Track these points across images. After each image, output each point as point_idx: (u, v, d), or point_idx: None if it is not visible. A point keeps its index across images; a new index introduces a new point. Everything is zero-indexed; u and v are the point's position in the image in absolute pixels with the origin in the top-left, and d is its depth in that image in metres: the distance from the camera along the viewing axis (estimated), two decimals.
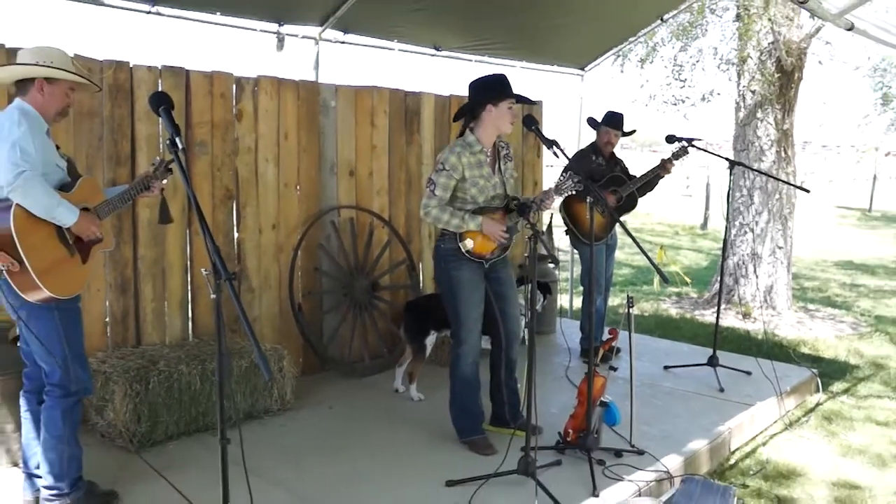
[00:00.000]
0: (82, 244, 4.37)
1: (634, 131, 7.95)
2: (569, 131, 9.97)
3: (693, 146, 7.45)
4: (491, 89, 5.40)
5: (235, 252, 6.85)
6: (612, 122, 7.78)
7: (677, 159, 7.56)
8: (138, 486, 4.93)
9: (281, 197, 7.13)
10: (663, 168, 7.62)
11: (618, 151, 8.04)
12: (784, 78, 11.01)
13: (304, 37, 7.68)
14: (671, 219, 25.22)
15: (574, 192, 5.48)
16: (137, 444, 5.49)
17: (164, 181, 4.73)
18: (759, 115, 11.19)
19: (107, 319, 6.19)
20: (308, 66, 7.82)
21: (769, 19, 10.54)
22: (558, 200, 6.18)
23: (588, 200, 5.45)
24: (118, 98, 6.07)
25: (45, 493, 4.51)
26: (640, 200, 7.89)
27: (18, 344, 4.63)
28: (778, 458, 6.13)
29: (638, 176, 7.76)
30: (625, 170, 7.95)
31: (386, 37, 8.27)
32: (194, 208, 3.33)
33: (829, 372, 8.32)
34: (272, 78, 7.00)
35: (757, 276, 11.27)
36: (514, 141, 8.59)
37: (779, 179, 10.31)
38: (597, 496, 4.91)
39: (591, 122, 7.94)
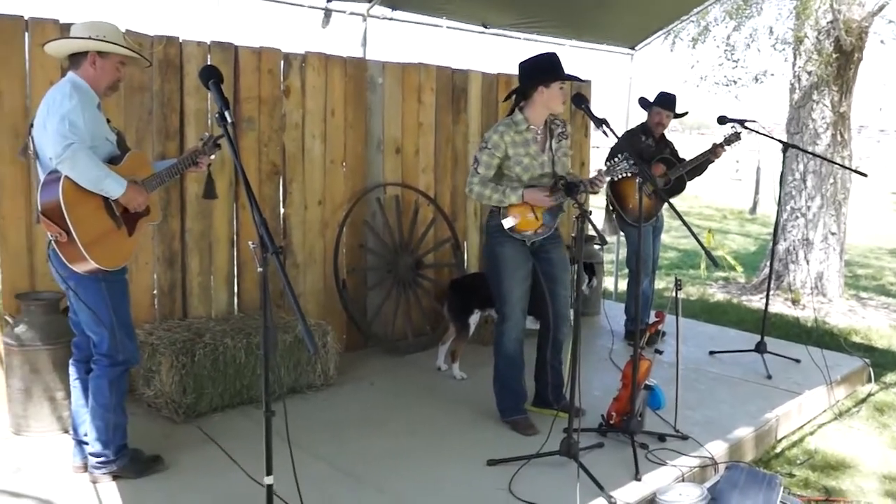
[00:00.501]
0: (129, 217, 4.42)
1: (687, 113, 7.87)
2: (617, 111, 9.87)
3: (746, 128, 7.34)
4: (542, 70, 5.36)
5: (281, 227, 6.89)
6: (665, 102, 7.68)
7: (729, 145, 7.44)
8: (183, 456, 5.00)
9: (327, 173, 7.16)
10: (714, 153, 7.52)
11: (666, 133, 7.95)
12: (842, 58, 10.72)
13: (351, 13, 7.67)
14: (720, 202, 24.95)
15: (627, 176, 5.40)
16: (183, 414, 5.56)
17: (212, 157, 4.77)
18: (814, 96, 10.95)
19: (154, 292, 6.27)
20: (355, 42, 7.82)
21: None
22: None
23: (637, 181, 5.40)
24: (168, 73, 6.12)
25: (92, 459, 4.60)
26: (688, 184, 7.81)
27: (68, 314, 4.70)
28: (826, 449, 6.01)
29: (687, 159, 7.69)
30: (674, 152, 7.86)
31: (434, 14, 8.22)
32: (242, 182, 3.35)
33: (883, 362, 8.14)
34: (320, 54, 7.01)
35: (808, 263, 11.07)
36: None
37: (834, 163, 10.06)
38: (639, 480, 4.88)
39: (643, 102, 7.85)
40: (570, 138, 5.71)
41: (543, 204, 5.36)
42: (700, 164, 7.63)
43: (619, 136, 5.25)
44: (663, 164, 7.59)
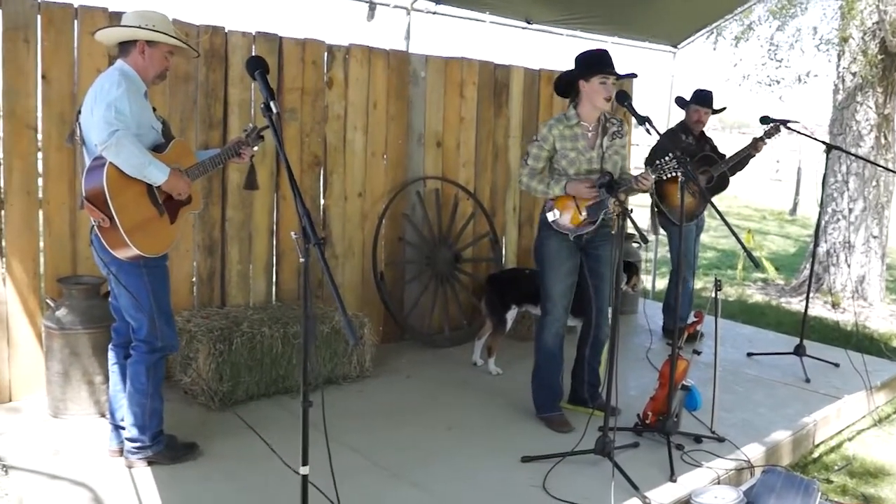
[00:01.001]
0: (171, 205, 4.46)
1: (725, 108, 7.82)
2: (659, 109, 9.82)
3: (788, 128, 7.29)
4: (583, 64, 5.37)
5: (321, 218, 6.92)
6: (702, 99, 7.65)
7: (769, 138, 7.40)
8: (218, 443, 5.04)
9: (368, 165, 7.17)
10: (754, 147, 7.48)
11: (706, 132, 7.91)
12: (888, 60, 10.56)
13: (395, 6, 7.68)
14: (759, 203, 24.73)
15: (673, 175, 5.35)
16: (219, 402, 5.61)
17: (255, 148, 4.80)
18: (858, 98, 10.81)
19: (193, 279, 6.33)
20: (399, 36, 7.82)
21: None
22: None
23: (679, 180, 5.36)
24: (213, 63, 6.16)
25: (128, 444, 4.64)
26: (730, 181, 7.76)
27: (109, 299, 4.75)
28: (865, 455, 5.94)
29: (728, 156, 7.63)
30: (714, 149, 7.82)
31: (478, 8, 8.21)
32: (286, 173, 3.36)
33: None
34: (363, 47, 7.03)
35: (849, 266, 10.96)
36: None
37: (877, 165, 9.92)
38: (674, 481, 4.85)
39: (680, 101, 7.82)
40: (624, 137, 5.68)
41: (584, 195, 5.33)
42: (742, 160, 7.58)
43: (661, 134, 5.21)
44: (705, 161, 7.54)
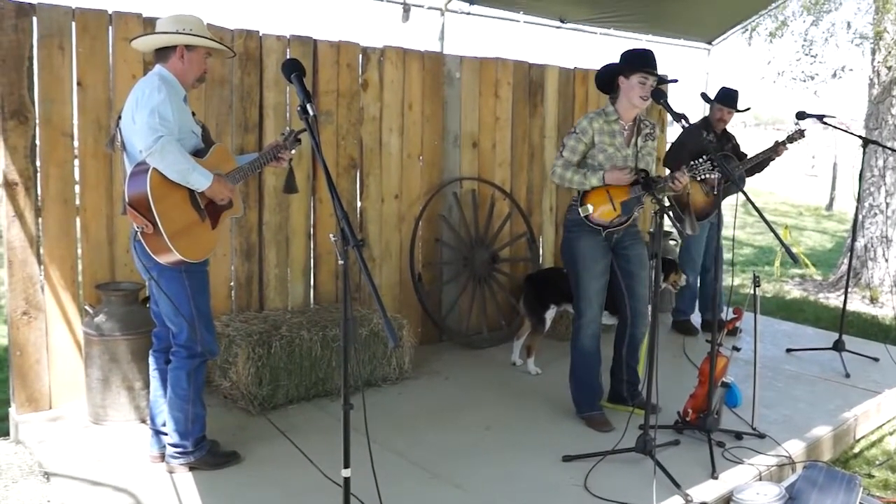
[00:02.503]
0: (213, 210, 4.45)
1: (749, 108, 7.75)
2: (694, 107, 9.77)
3: (825, 123, 7.21)
4: (626, 61, 5.36)
5: (358, 221, 6.91)
6: (726, 98, 7.57)
7: (791, 142, 7.37)
8: (258, 448, 5.03)
9: (404, 167, 7.16)
10: (775, 151, 7.43)
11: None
12: None
13: (429, 7, 7.68)
14: (795, 199, 24.55)
15: (709, 176, 5.31)
16: (259, 406, 5.60)
17: (293, 151, 4.79)
18: (894, 92, 10.72)
19: (231, 284, 6.33)
20: (433, 37, 7.82)
21: None
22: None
23: (717, 178, 5.32)
24: (247, 66, 6.17)
25: (170, 450, 4.64)
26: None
27: (148, 305, 4.76)
28: None
29: (749, 156, 7.57)
30: (736, 147, 7.75)
31: (511, 8, 8.20)
32: (324, 175, 3.33)
33: None
34: (398, 48, 7.02)
35: (886, 260, 10.86)
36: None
37: None
38: (716, 478, 4.82)
39: (704, 97, 7.77)
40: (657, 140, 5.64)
41: (623, 182, 5.29)
42: (761, 162, 7.53)
43: (683, 129, 5.18)
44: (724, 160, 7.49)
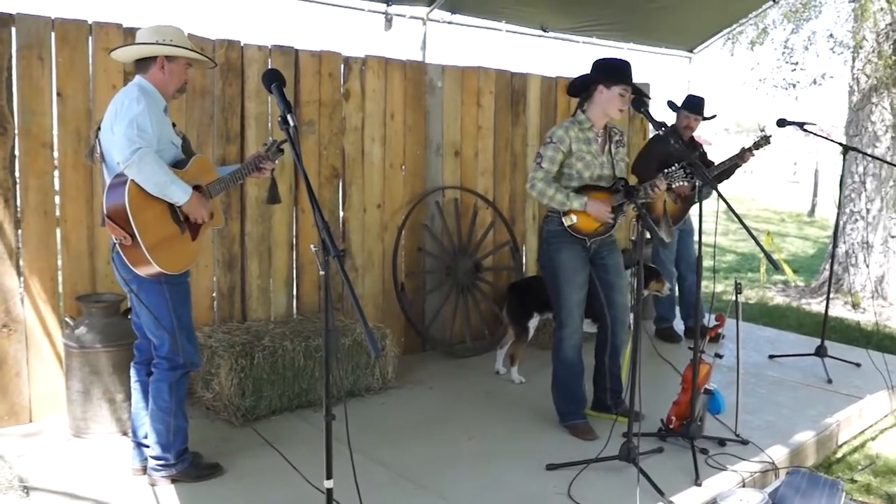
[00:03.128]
0: (193, 221, 4.43)
1: (715, 116, 7.78)
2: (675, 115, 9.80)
3: (805, 130, 7.24)
4: (608, 71, 5.36)
5: (340, 230, 6.89)
6: (693, 106, 7.59)
7: (758, 149, 7.43)
8: (241, 460, 5.00)
9: (386, 176, 7.15)
10: (742, 157, 7.46)
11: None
12: None
13: (411, 17, 7.69)
14: (777, 205, 24.67)
15: (683, 183, 5.35)
16: (242, 417, 5.57)
17: (276, 162, 4.77)
18: (873, 99, 10.82)
19: (214, 294, 6.31)
20: (415, 46, 7.84)
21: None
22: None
23: (696, 184, 5.35)
24: (229, 76, 6.16)
25: (152, 462, 4.61)
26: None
27: (129, 316, 4.74)
28: (888, 454, 5.92)
29: (716, 163, 7.60)
30: (703, 155, 7.78)
31: (493, 17, 8.23)
32: (304, 185, 3.33)
33: None
34: (379, 58, 7.01)
35: (867, 266, 10.93)
36: (620, 123, 8.47)
37: (894, 165, 9.94)
38: (699, 485, 4.82)
39: (671, 105, 7.78)
40: (629, 141, 5.66)
41: (603, 219, 5.31)
42: (727, 169, 7.56)
43: (648, 140, 5.23)
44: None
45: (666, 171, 5.24)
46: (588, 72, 5.46)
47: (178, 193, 4.21)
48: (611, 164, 5.49)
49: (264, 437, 5.18)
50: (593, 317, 5.83)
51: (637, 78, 5.42)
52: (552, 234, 5.48)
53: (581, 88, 5.49)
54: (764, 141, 7.35)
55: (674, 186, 5.43)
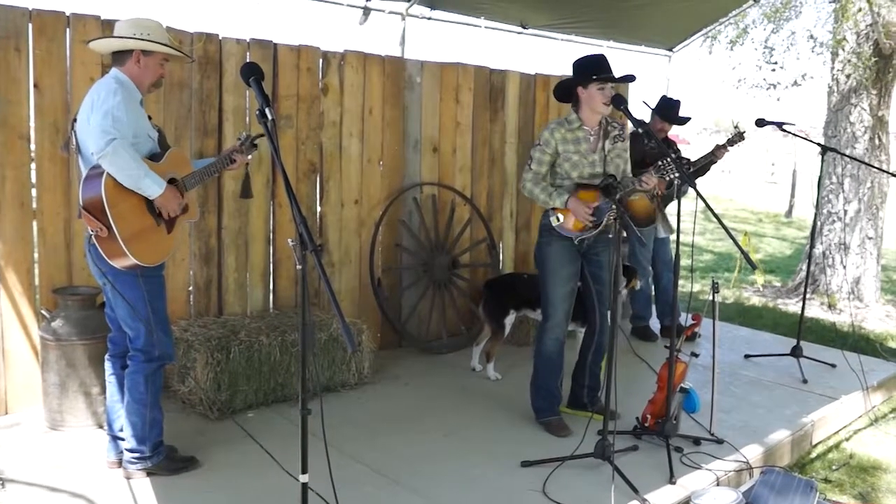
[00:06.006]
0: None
1: (689, 120, 7.80)
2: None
3: (784, 130, 7.28)
4: (581, 71, 5.38)
5: (317, 226, 6.89)
6: (664, 112, 7.63)
7: (732, 145, 7.43)
8: (216, 453, 5.00)
9: (364, 172, 7.15)
10: (716, 154, 7.50)
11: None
12: (881, 62, 10.57)
13: (390, 12, 7.67)
14: (755, 205, 24.77)
15: (674, 178, 5.35)
16: (217, 411, 5.57)
17: (249, 156, 4.77)
18: (853, 100, 10.83)
19: (190, 288, 6.30)
20: (394, 41, 7.82)
21: (868, 0, 10.21)
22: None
23: (676, 183, 5.37)
24: (207, 70, 6.14)
25: (127, 455, 4.61)
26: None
27: (104, 309, 4.72)
28: (862, 454, 5.97)
29: (692, 160, 7.64)
30: (678, 153, 7.81)
31: (473, 13, 8.21)
32: (282, 179, 3.34)
33: None
34: (358, 53, 7.01)
35: (844, 267, 10.97)
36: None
37: (871, 166, 9.97)
38: (674, 483, 4.85)
39: (647, 105, 7.80)
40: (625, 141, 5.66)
41: (583, 221, 5.32)
42: (703, 166, 7.60)
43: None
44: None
45: (659, 163, 5.25)
46: (567, 77, 5.48)
47: (152, 186, 4.20)
48: (602, 162, 5.47)
49: (245, 429, 5.18)
50: (582, 319, 5.87)
51: (617, 73, 5.42)
52: (544, 227, 5.53)
53: (565, 94, 5.52)
54: (738, 137, 7.36)
55: (667, 179, 5.43)
